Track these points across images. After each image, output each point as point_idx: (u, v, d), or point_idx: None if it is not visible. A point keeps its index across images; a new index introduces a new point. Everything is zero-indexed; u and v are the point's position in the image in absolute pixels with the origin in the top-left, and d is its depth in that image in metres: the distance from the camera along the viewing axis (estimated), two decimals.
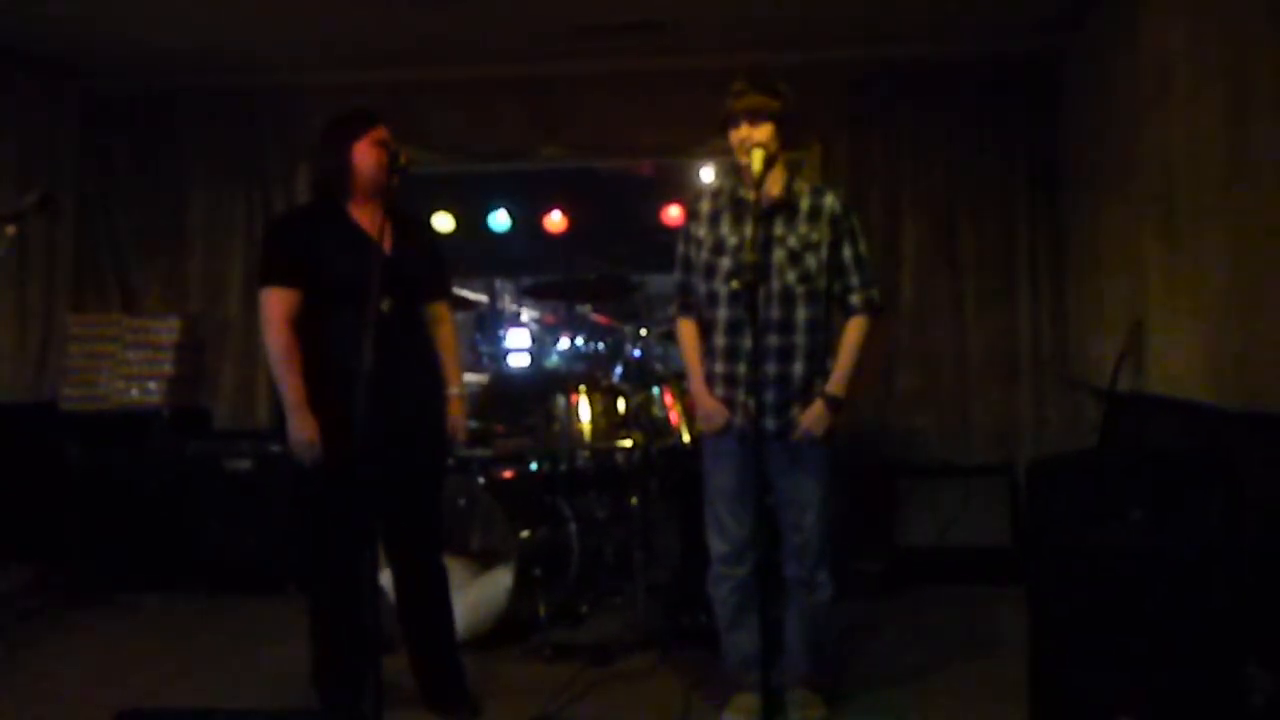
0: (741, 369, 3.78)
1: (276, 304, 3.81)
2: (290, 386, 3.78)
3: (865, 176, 6.33)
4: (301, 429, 3.74)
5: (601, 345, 7.05)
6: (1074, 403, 6.08)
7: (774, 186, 3.81)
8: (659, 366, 5.91)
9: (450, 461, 4.92)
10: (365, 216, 3.86)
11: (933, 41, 6.19)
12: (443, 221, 8.21)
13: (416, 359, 3.99)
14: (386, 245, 3.85)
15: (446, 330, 4.18)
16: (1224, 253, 4.20)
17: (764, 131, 3.71)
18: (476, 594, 4.86)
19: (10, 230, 4.35)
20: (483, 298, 14.54)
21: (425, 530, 4.11)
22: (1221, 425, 4.15)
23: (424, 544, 4.10)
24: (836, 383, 3.81)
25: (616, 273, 8.81)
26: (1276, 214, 3.79)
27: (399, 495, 3.96)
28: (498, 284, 15.53)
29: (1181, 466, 3.51)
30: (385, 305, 3.78)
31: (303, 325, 3.83)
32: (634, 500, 5.18)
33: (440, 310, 4.17)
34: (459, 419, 4.14)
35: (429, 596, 4.10)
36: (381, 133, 3.86)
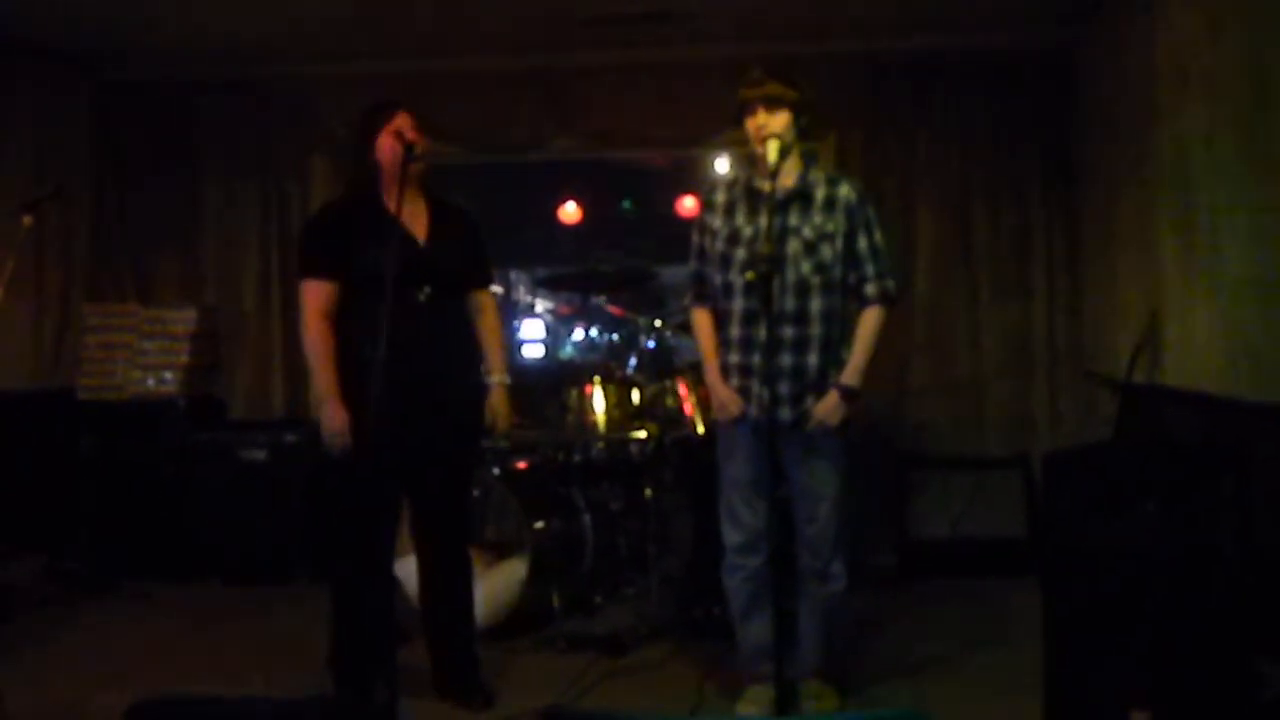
0: (757, 359, 3.77)
1: (312, 296, 3.86)
2: (322, 378, 3.83)
3: (880, 169, 6.30)
4: (332, 420, 3.78)
5: (616, 336, 7.05)
6: (1089, 395, 6.05)
7: (788, 177, 3.80)
8: (674, 359, 5.91)
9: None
10: (398, 206, 3.86)
11: (948, 33, 6.16)
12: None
13: (453, 348, 4.01)
14: (421, 235, 3.88)
15: (490, 318, 4.21)
16: (1240, 244, 4.19)
17: (780, 120, 3.71)
18: (491, 585, 4.87)
19: (26, 220, 4.37)
20: (498, 289, 14.55)
21: (453, 518, 4.13)
22: (1237, 417, 4.14)
23: (451, 532, 4.13)
24: (851, 373, 3.81)
25: (632, 264, 8.81)
26: None
27: (429, 483, 3.99)
28: (513, 275, 15.55)
29: (1196, 459, 3.51)
30: (423, 295, 3.83)
31: (340, 316, 3.86)
32: (648, 491, 5.18)
33: (483, 299, 4.20)
34: (500, 408, 4.14)
35: (452, 584, 4.12)
36: (400, 122, 3.86)
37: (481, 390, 4.12)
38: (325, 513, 4.06)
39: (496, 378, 4.15)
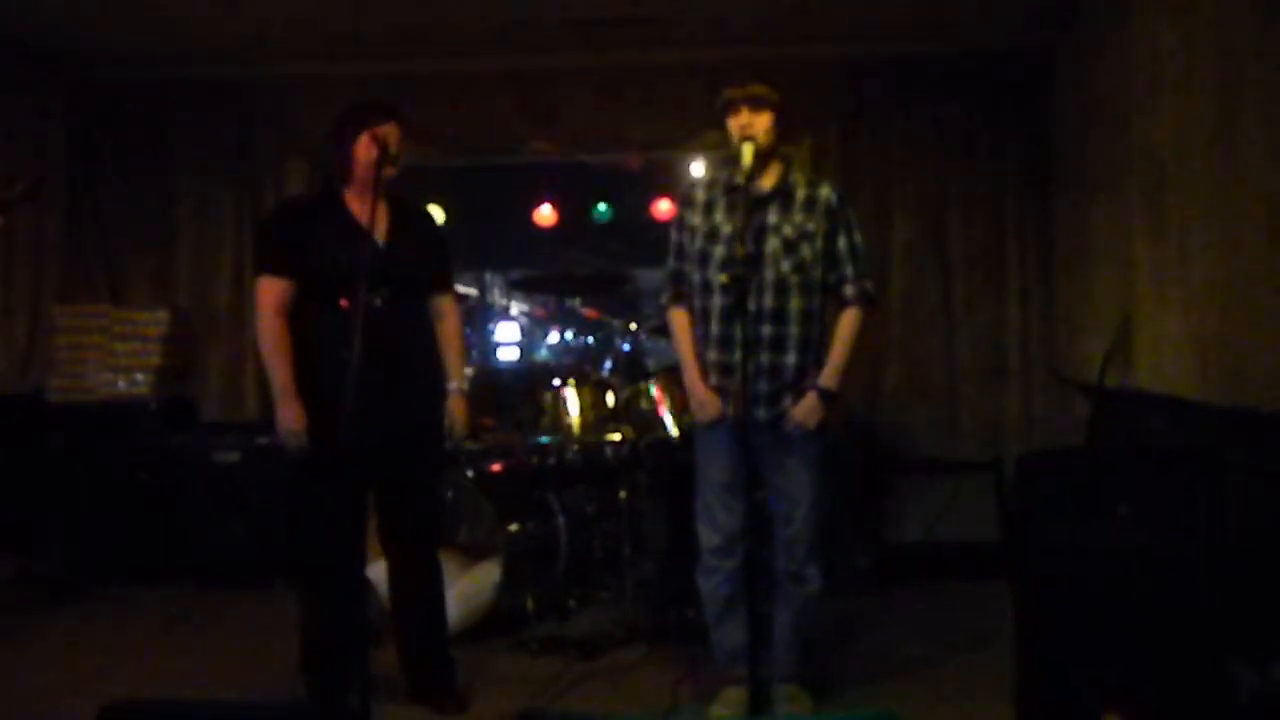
0: (736, 358, 3.76)
1: (267, 293, 3.83)
2: (278, 376, 3.80)
3: (855, 172, 6.32)
4: (287, 417, 3.76)
5: (591, 339, 7.05)
6: (1062, 399, 6.08)
7: (769, 178, 3.82)
8: (649, 361, 5.91)
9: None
10: (362, 207, 3.85)
11: (924, 38, 6.19)
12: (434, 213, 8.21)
13: (411, 351, 3.98)
14: (380, 236, 3.86)
15: (450, 324, 4.17)
16: (1212, 249, 4.22)
17: (764, 119, 3.72)
18: (464, 587, 4.85)
19: None
20: (472, 291, 14.55)
21: (420, 523, 4.11)
22: (1208, 421, 4.16)
23: (418, 537, 4.11)
24: (829, 375, 3.81)
25: (607, 267, 8.82)
26: (1263, 210, 3.80)
27: (393, 487, 3.97)
28: (487, 277, 15.53)
29: (1168, 462, 3.52)
30: (380, 298, 3.78)
31: (295, 314, 3.84)
32: (623, 494, 5.18)
33: (443, 304, 4.16)
34: (457, 414, 4.12)
35: (422, 589, 4.10)
36: (389, 129, 3.84)
37: (441, 394, 4.10)
38: (291, 515, 4.03)
39: (454, 384, 4.13)
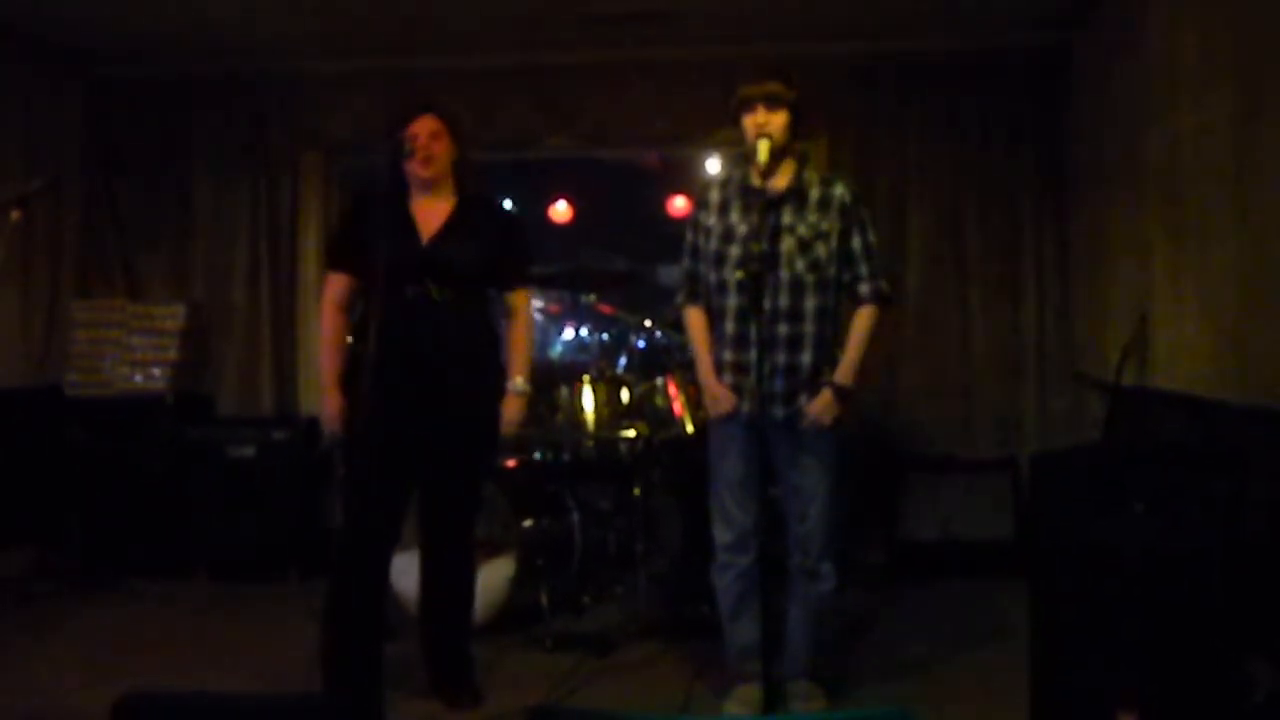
0: (750, 357, 3.77)
1: (328, 287, 4.06)
2: (324, 367, 4.02)
3: (871, 170, 6.29)
4: (326, 406, 3.92)
5: (606, 335, 7.04)
6: (1078, 397, 6.06)
7: (783, 177, 3.81)
8: (665, 358, 5.90)
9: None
10: (422, 204, 3.95)
11: (940, 35, 6.16)
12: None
13: (464, 348, 3.96)
14: (429, 233, 3.90)
15: (517, 323, 4.19)
16: (1230, 247, 4.20)
17: (780, 118, 3.72)
18: (479, 583, 4.85)
19: (15, 215, 4.35)
20: None
21: (457, 518, 4.12)
22: (1225, 419, 4.15)
23: (456, 533, 4.12)
24: (844, 372, 3.81)
25: (622, 263, 8.81)
26: None
27: (435, 481, 4.00)
28: None
29: (1185, 461, 3.51)
30: (435, 292, 3.86)
31: (359, 307, 4.01)
32: (637, 491, 5.18)
33: (514, 301, 4.19)
34: (508, 414, 4.07)
35: (453, 584, 4.13)
36: (417, 126, 3.89)
37: (498, 393, 4.07)
38: (343, 504, 4.19)
39: (512, 383, 4.10)
